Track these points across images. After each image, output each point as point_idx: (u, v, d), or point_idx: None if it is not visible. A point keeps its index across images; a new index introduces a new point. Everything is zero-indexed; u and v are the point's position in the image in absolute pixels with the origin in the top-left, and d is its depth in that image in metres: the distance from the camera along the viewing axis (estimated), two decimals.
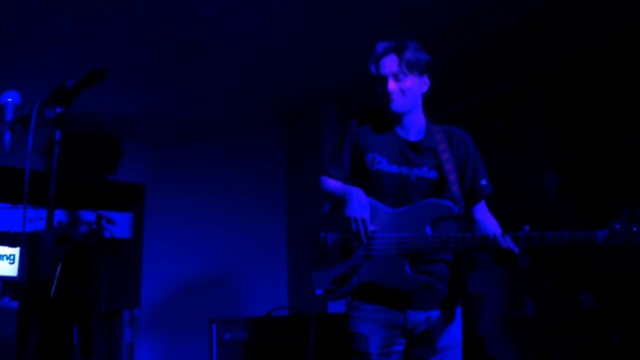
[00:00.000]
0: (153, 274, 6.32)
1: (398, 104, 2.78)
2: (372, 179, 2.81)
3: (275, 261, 6.47)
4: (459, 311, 2.80)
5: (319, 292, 2.78)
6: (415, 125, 2.87)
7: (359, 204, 2.69)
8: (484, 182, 2.86)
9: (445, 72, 4.61)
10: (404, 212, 2.71)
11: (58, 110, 2.23)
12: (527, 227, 2.45)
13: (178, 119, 6.35)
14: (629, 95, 4.12)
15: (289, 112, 6.51)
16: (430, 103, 3.02)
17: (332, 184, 2.91)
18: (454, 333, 2.75)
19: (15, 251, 5.81)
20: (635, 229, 2.25)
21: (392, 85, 2.76)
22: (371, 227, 2.68)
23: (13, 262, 5.79)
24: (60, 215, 5.53)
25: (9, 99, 2.39)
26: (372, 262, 2.67)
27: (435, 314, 2.71)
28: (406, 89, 2.78)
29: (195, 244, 6.37)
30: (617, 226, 2.30)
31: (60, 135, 2.16)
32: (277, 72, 5.44)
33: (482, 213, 2.87)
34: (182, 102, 5.93)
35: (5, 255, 5.77)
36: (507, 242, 2.42)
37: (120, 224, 5.81)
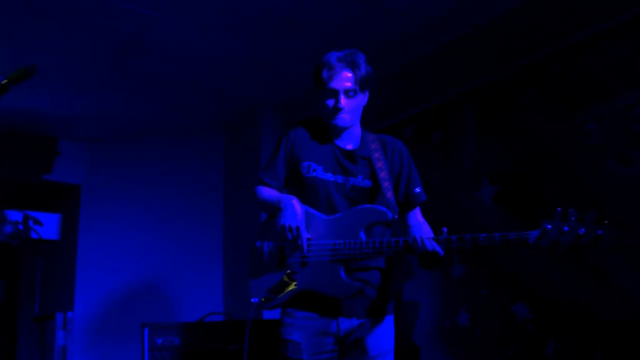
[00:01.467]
0: (88, 276, 6.21)
1: (345, 120, 2.78)
2: (307, 187, 2.80)
3: (211, 267, 6.42)
4: (391, 319, 2.80)
5: (255, 300, 2.75)
6: (352, 135, 2.87)
7: (293, 211, 2.67)
8: (418, 189, 2.87)
9: (387, 83, 4.67)
10: (338, 218, 2.71)
11: None
12: (445, 229, 2.46)
13: (117, 121, 6.27)
14: (556, 109, 4.24)
15: (228, 118, 6.48)
16: (372, 113, 3.03)
17: (267, 192, 2.88)
18: (386, 341, 2.75)
19: None
20: (566, 228, 2.27)
21: (344, 101, 2.73)
22: (306, 235, 2.66)
23: None
24: None
25: None
26: (307, 269, 2.66)
27: (367, 321, 2.71)
28: (355, 106, 2.78)
29: (131, 247, 6.28)
30: (549, 226, 2.30)
31: None
32: (217, 77, 5.41)
33: (416, 219, 2.88)
34: (121, 103, 5.86)
35: None
36: (433, 245, 2.42)
37: (48, 225, 5.66)
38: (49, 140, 6.38)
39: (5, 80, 2.24)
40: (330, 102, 2.76)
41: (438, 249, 2.43)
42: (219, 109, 6.23)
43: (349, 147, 2.85)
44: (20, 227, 5.16)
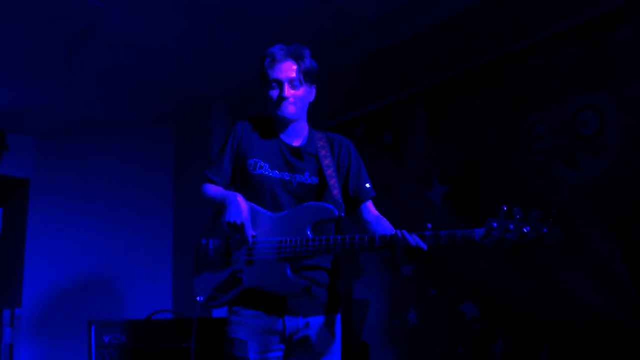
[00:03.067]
0: (35, 272, 6.10)
1: (290, 110, 2.79)
2: (253, 184, 2.79)
3: (160, 264, 6.38)
4: (338, 317, 2.81)
5: (200, 298, 2.73)
6: (298, 132, 2.88)
7: (238, 208, 2.66)
8: (368, 185, 2.89)
9: (338, 81, 4.68)
10: (284, 215, 2.71)
11: None
12: (429, 225, 2.47)
13: (66, 114, 6.17)
14: (506, 111, 4.30)
15: (178, 113, 6.44)
16: (322, 111, 3.03)
17: (212, 190, 2.87)
18: (333, 339, 2.76)
19: None
20: (512, 226, 2.30)
21: (288, 91, 2.75)
22: (251, 232, 2.66)
23: None
24: None
25: None
26: (253, 267, 2.65)
27: (314, 319, 2.72)
28: (299, 97, 2.80)
29: (79, 242, 6.20)
30: (495, 224, 2.33)
31: None
32: (166, 71, 5.37)
33: (372, 214, 2.89)
34: (69, 97, 5.77)
35: None
36: (416, 240, 2.43)
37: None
38: None
39: None
40: (275, 93, 2.78)
41: (422, 244, 2.43)
42: (168, 103, 6.18)
43: (296, 143, 2.87)
44: None
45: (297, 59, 2.78)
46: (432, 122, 4.83)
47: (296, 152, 2.84)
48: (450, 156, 4.63)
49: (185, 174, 6.41)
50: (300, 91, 2.80)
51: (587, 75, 3.88)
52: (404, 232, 2.46)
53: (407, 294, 4.83)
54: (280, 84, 2.76)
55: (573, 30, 3.96)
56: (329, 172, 2.78)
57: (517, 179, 4.18)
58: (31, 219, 6.25)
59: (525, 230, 2.28)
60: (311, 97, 2.88)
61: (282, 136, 2.87)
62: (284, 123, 2.84)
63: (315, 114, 2.91)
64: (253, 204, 2.74)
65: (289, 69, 2.76)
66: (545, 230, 2.27)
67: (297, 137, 2.88)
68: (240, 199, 2.70)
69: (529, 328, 4.01)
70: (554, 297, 3.90)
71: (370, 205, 2.90)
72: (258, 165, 2.80)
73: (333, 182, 2.76)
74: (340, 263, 2.86)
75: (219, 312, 4.95)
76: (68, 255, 6.13)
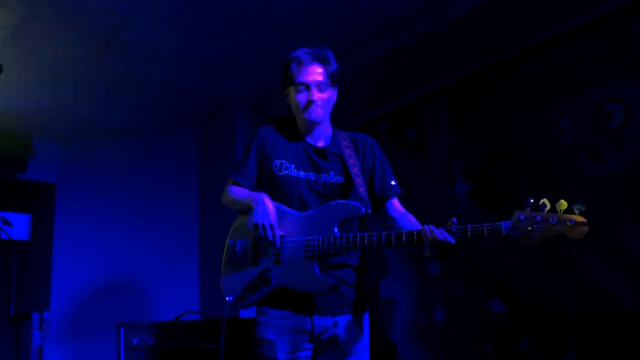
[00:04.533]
0: (63, 276, 6.18)
1: (318, 114, 2.80)
2: (279, 185, 2.81)
3: (187, 266, 6.40)
4: (366, 316, 2.82)
5: (229, 298, 2.74)
6: (323, 133, 2.90)
7: (265, 208, 2.68)
8: (393, 182, 2.89)
9: (360, 79, 4.68)
10: (311, 214, 2.72)
11: None
12: (455, 219, 2.47)
13: (90, 119, 6.24)
14: (528, 105, 4.27)
15: (202, 114, 6.46)
16: (345, 110, 3.04)
17: (238, 191, 2.89)
18: (361, 338, 2.76)
19: None
20: (539, 217, 2.30)
21: (316, 95, 2.76)
22: (279, 232, 2.67)
23: None
24: None
25: None
26: (281, 267, 2.66)
27: (342, 319, 2.72)
28: (326, 101, 2.81)
29: (106, 246, 6.25)
30: (522, 216, 2.33)
31: None
32: (189, 74, 5.40)
33: (399, 211, 2.89)
34: (95, 102, 5.84)
35: None
36: (444, 234, 2.43)
37: (18, 226, 5.61)
38: (23, 139, 6.32)
39: None
40: (302, 96, 2.79)
41: (450, 238, 2.43)
42: (192, 106, 6.21)
43: (320, 144, 2.88)
44: None
45: (324, 62, 2.79)
46: (455, 118, 4.80)
47: (321, 152, 2.85)
48: (474, 151, 4.61)
49: (211, 176, 6.43)
50: (327, 94, 2.81)
51: (611, 67, 3.84)
52: (432, 226, 2.46)
53: (434, 292, 4.81)
54: (308, 88, 2.77)
55: (596, 22, 3.92)
56: (355, 170, 2.79)
57: (541, 172, 4.15)
58: (58, 223, 6.32)
59: (552, 221, 2.29)
60: (334, 99, 2.89)
61: (307, 137, 2.89)
62: (311, 126, 2.86)
63: (338, 114, 2.92)
64: (279, 204, 2.75)
65: (316, 73, 2.77)
66: (572, 222, 2.28)
67: (321, 138, 2.89)
68: (266, 199, 2.72)
69: (556, 323, 3.99)
70: (580, 290, 3.87)
71: (396, 202, 2.90)
72: (284, 166, 2.82)
73: (358, 180, 2.77)
74: (367, 261, 2.86)
75: (247, 313, 4.97)
76: (95, 258, 6.19)
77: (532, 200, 2.34)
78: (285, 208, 2.75)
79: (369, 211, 2.75)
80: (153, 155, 6.63)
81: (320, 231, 2.64)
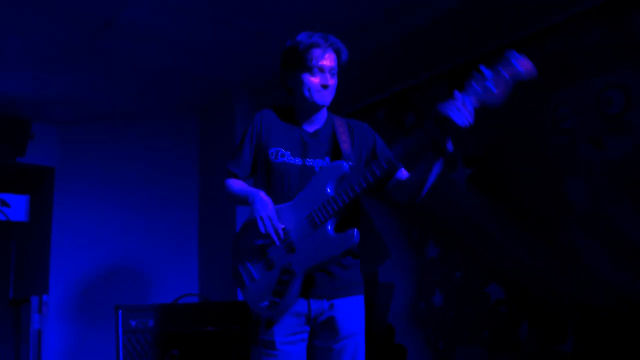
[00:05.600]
0: (62, 259, 6.18)
1: (327, 98, 2.83)
2: (276, 173, 2.82)
3: (186, 249, 6.41)
4: (361, 299, 2.82)
5: (265, 304, 2.68)
6: (319, 118, 2.93)
7: (263, 204, 2.71)
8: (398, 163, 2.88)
9: (359, 65, 4.67)
10: (301, 194, 2.74)
11: None
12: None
13: (89, 103, 6.21)
14: (529, 92, 4.26)
15: (201, 102, 6.45)
16: (344, 95, 3.05)
17: (235, 186, 2.90)
18: (357, 321, 2.77)
19: None
20: (488, 73, 2.45)
21: (331, 80, 2.80)
22: (280, 224, 2.66)
23: None
24: None
25: None
26: (298, 252, 2.65)
27: (338, 302, 2.73)
28: (334, 87, 2.85)
29: (105, 229, 6.26)
30: (473, 81, 2.48)
31: None
32: (189, 59, 5.37)
33: (406, 173, 2.88)
34: (93, 85, 5.80)
35: None
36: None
37: (15, 207, 5.62)
38: (22, 123, 6.31)
39: None
40: (317, 80, 2.79)
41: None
42: (192, 91, 6.18)
43: (315, 128, 2.90)
44: None
45: (337, 49, 2.82)
46: None
47: (315, 137, 2.87)
48: (474, 137, 4.61)
49: (211, 160, 6.43)
50: (336, 81, 2.85)
51: (612, 54, 3.84)
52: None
53: (432, 277, 4.83)
54: (323, 71, 2.79)
55: (596, 10, 3.92)
56: (345, 146, 2.79)
57: (541, 158, 4.16)
58: (57, 206, 6.32)
59: (500, 68, 2.42)
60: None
61: (304, 124, 2.91)
62: (312, 111, 2.88)
63: (336, 99, 2.92)
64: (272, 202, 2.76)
65: (331, 59, 2.80)
66: (514, 62, 2.42)
67: (317, 123, 2.91)
68: (262, 194, 2.75)
69: (554, 310, 4.00)
70: (579, 278, 3.88)
71: (403, 169, 2.90)
72: (279, 153, 2.83)
73: (345, 146, 2.80)
74: (364, 246, 2.86)
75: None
76: (94, 241, 6.20)
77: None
78: (279, 205, 2.75)
79: (351, 163, 2.73)
80: (153, 139, 6.62)
81: (316, 201, 2.66)
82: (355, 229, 2.61)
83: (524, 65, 2.42)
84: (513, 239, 4.25)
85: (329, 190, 2.65)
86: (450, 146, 2.58)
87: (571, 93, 4.03)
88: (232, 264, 2.86)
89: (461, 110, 2.45)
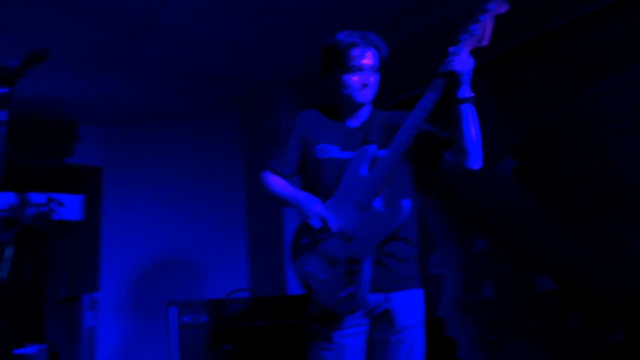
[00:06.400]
0: (113, 257, 6.28)
1: (368, 96, 2.84)
2: (322, 169, 2.83)
3: (234, 244, 6.44)
4: (419, 292, 2.81)
5: (340, 299, 2.63)
6: (363, 113, 2.92)
7: (311, 201, 2.73)
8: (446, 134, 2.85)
9: (401, 56, 4.65)
10: (341, 187, 2.75)
11: (3, 90, 2.19)
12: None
13: (134, 104, 6.31)
14: (572, 81, 4.21)
15: (244, 100, 6.47)
16: (388, 86, 3.05)
17: (278, 184, 2.92)
18: (413, 314, 2.76)
19: None
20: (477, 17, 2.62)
21: (371, 78, 2.81)
22: (332, 217, 2.66)
23: None
24: (9, 198, 5.39)
25: None
26: (356, 239, 2.62)
27: (395, 295, 2.72)
28: (376, 84, 2.86)
29: (154, 226, 6.34)
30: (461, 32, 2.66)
31: (6, 116, 2.13)
32: (230, 58, 5.40)
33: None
34: (136, 87, 5.89)
35: None
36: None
37: (70, 206, 5.71)
38: (68, 125, 6.43)
39: (20, 64, 2.25)
40: (358, 79, 2.81)
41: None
42: (233, 91, 6.22)
43: (358, 123, 2.91)
44: (43, 209, 5.22)
45: (377, 47, 2.82)
46: (499, 95, 4.76)
47: (359, 132, 2.87)
48: (518, 128, 4.58)
49: (255, 157, 6.46)
50: (377, 78, 2.85)
51: None
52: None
53: (481, 269, 4.80)
54: (363, 70, 2.80)
55: None
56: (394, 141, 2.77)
57: (587, 149, 4.11)
58: (106, 205, 6.43)
59: (478, 16, 2.62)
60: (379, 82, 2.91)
61: (346, 120, 2.92)
62: (355, 108, 2.89)
63: (381, 90, 2.93)
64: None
65: (371, 57, 2.81)
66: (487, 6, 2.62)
67: (360, 118, 2.92)
68: (307, 195, 2.77)
69: (605, 301, 3.95)
70: (629, 268, 3.83)
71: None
72: (325, 150, 2.84)
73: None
74: (420, 236, 2.85)
75: (295, 290, 5.01)
76: (143, 239, 6.29)
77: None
78: (325, 203, 2.74)
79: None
80: (198, 137, 6.68)
81: (356, 187, 2.67)
82: (407, 200, 2.60)
83: (496, 3, 2.62)
84: (560, 229, 4.22)
85: (364, 173, 2.67)
86: (464, 90, 2.65)
87: (616, 82, 3.97)
88: (294, 269, 2.81)
89: (457, 58, 2.60)
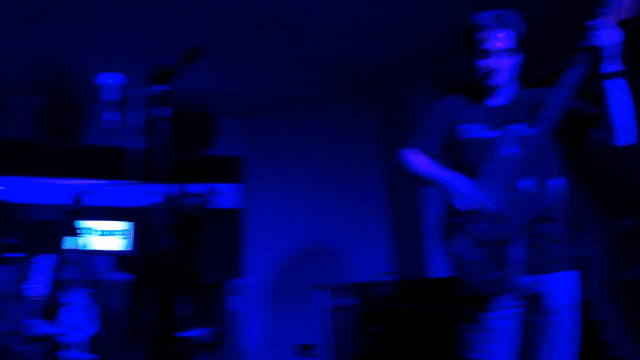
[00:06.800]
0: (256, 243, 6.47)
1: (501, 80, 2.77)
2: (467, 149, 2.80)
3: (375, 227, 6.47)
4: (573, 274, 2.73)
5: (489, 281, 2.62)
6: (508, 94, 2.85)
7: (460, 181, 2.70)
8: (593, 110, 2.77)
9: (540, 33, 4.52)
10: (490, 166, 2.70)
11: (163, 88, 2.31)
12: None
13: (270, 94, 6.49)
14: None
15: (377, 81, 6.46)
16: (531, 64, 2.97)
17: (421, 162, 2.89)
18: (566, 296, 2.69)
19: (127, 226, 6.03)
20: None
21: (498, 62, 2.73)
22: (482, 196, 2.63)
23: (125, 237, 6.01)
24: (169, 189, 5.65)
25: (110, 80, 2.47)
26: (506, 220, 2.60)
27: (546, 276, 2.66)
28: (512, 66, 2.77)
29: (296, 212, 6.51)
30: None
31: (167, 113, 2.24)
32: (360, 42, 5.42)
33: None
34: (272, 76, 6.04)
35: (118, 230, 6.00)
36: None
37: (227, 195, 5.92)
38: (208, 117, 6.69)
39: (176, 62, 2.35)
40: (486, 63, 2.75)
41: None
42: (366, 74, 6.24)
43: (502, 102, 2.84)
44: (203, 198, 5.45)
45: (507, 26, 2.73)
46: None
47: (504, 110, 2.80)
48: None
49: (391, 139, 6.46)
50: (512, 59, 2.76)
51: None
52: None
53: (628, 249, 4.61)
54: (490, 54, 2.73)
55: None
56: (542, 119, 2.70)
57: None
58: (248, 194, 6.62)
59: None
60: (519, 60, 2.81)
61: (489, 99, 2.85)
62: (494, 88, 2.82)
63: (523, 69, 2.85)
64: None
65: (505, 38, 2.72)
66: None
67: (504, 97, 2.84)
68: (456, 175, 2.73)
69: None
70: None
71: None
72: (469, 129, 2.81)
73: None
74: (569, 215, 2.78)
75: (438, 272, 4.99)
76: (286, 225, 6.46)
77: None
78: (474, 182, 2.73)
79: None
80: (334, 123, 6.76)
81: (506, 167, 2.64)
82: (558, 179, 2.57)
83: None
84: None
85: (511, 152, 2.62)
86: (610, 64, 2.53)
87: None
88: (444, 251, 2.80)
89: (599, 31, 2.48)
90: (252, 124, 6.91)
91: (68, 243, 4.71)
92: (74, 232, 4.73)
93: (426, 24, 5.08)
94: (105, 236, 5.89)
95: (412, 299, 4.43)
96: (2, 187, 4.97)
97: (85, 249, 4.82)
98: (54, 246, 4.97)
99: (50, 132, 6.21)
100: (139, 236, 6.00)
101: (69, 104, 6.23)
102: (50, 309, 4.40)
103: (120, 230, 6.01)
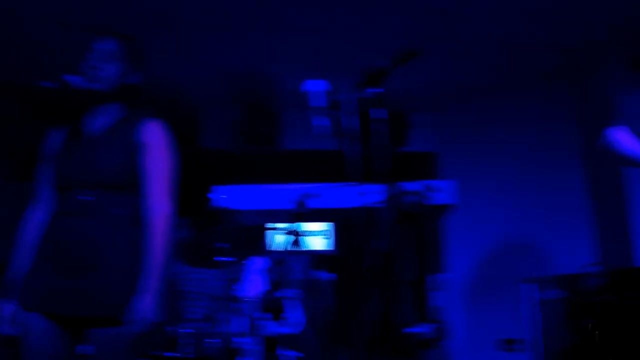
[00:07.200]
0: (460, 238, 6.50)
1: None
2: None
3: (577, 217, 6.23)
4: None
5: None
6: None
7: None
8: None
9: None
10: None
11: (376, 90, 2.38)
12: None
13: (457, 86, 6.52)
14: None
15: (570, 64, 6.24)
16: None
17: (630, 142, 2.75)
18: None
19: (328, 226, 6.22)
20: None
21: None
22: None
23: (327, 237, 6.20)
24: (390, 189, 5.79)
25: (316, 87, 2.58)
26: None
27: None
28: None
29: (493, 205, 6.44)
30: None
31: (383, 115, 2.30)
32: (552, 23, 5.29)
33: None
34: (457, 68, 6.07)
35: (320, 230, 6.20)
36: None
37: (442, 191, 5.96)
38: (401, 115, 6.77)
39: (389, 64, 2.41)
40: None
41: None
42: (557, 57, 6.07)
43: None
44: (421, 195, 5.54)
45: None
46: None
47: None
48: None
49: (591, 124, 6.20)
50: None
51: None
52: None
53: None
54: None
55: None
56: None
57: None
58: (444, 189, 6.63)
59: None
60: None
61: None
62: None
63: None
64: None
65: None
66: None
67: None
68: None
69: None
70: None
71: None
72: None
73: None
74: None
75: None
76: (487, 219, 6.42)
77: None
78: None
79: None
80: (525, 112, 6.62)
81: None
82: None
83: None
84: None
85: None
86: None
87: None
88: None
89: None
90: (442, 118, 6.92)
91: (280, 245, 4.95)
92: (289, 234, 4.97)
93: (619, 2, 4.87)
94: (310, 237, 6.10)
95: (623, 289, 4.24)
96: (223, 196, 5.30)
97: (296, 249, 5.04)
98: (264, 249, 5.25)
99: (249, 141, 6.55)
100: (340, 236, 6.17)
101: (266, 113, 6.55)
102: (269, 309, 4.63)
103: (322, 231, 6.20)
